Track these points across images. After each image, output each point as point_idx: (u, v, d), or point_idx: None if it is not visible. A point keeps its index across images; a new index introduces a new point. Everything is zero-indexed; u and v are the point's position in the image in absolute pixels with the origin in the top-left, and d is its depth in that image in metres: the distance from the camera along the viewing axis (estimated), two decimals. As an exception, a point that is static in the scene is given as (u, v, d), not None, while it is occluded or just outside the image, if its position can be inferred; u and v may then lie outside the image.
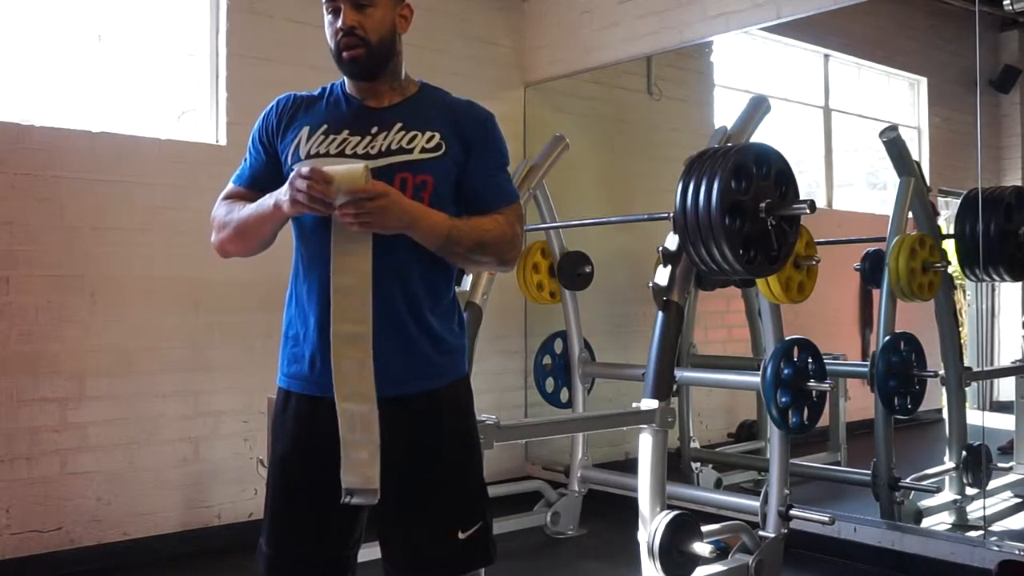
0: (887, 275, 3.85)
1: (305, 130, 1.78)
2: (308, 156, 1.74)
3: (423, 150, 1.73)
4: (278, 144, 1.81)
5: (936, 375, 3.97)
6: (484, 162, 1.80)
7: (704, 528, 3.05)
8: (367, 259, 1.66)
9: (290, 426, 1.78)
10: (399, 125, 1.75)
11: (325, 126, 1.77)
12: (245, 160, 1.88)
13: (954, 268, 4.13)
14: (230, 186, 1.87)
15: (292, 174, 1.62)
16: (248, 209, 1.75)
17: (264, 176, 1.83)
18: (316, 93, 1.85)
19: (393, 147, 1.73)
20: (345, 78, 1.83)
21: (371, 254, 1.66)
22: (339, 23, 1.74)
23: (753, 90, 4.52)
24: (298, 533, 1.76)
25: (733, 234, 2.86)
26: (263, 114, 1.86)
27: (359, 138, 1.75)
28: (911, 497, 3.90)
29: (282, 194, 1.65)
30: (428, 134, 1.75)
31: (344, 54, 1.75)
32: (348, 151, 1.73)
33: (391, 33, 1.78)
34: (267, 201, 1.71)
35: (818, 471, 4.57)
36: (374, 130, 1.75)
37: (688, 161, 3.02)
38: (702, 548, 2.95)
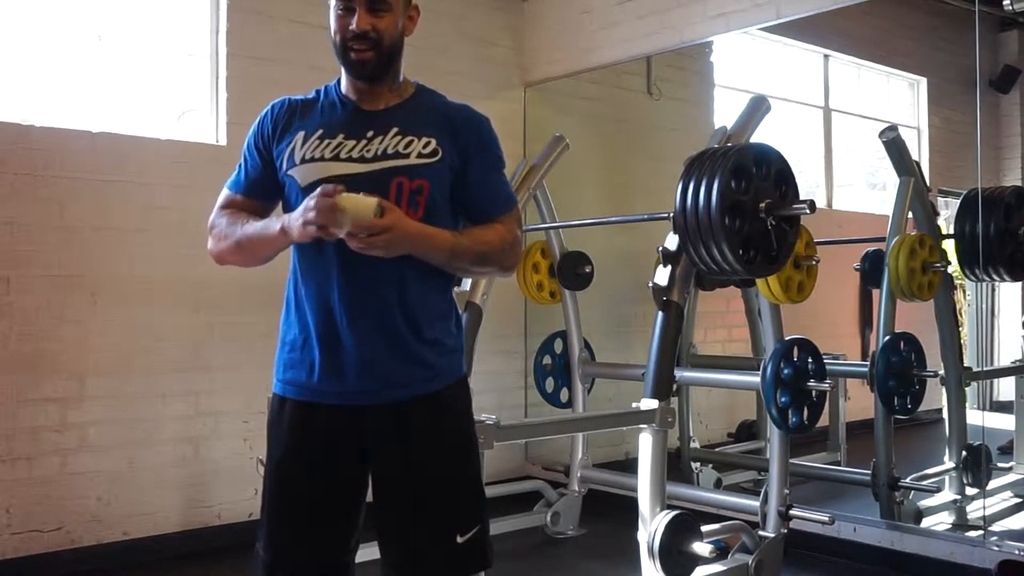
0: (887, 275, 3.85)
1: (300, 135, 1.76)
2: (303, 161, 1.73)
3: (419, 155, 1.72)
4: (273, 150, 1.80)
5: (936, 375, 3.97)
6: (481, 167, 1.79)
7: (704, 528, 3.05)
8: None
9: (285, 433, 1.77)
10: (395, 129, 1.74)
11: (320, 131, 1.76)
12: (240, 166, 1.86)
13: (954, 268, 4.13)
14: (225, 192, 1.86)
15: (304, 201, 1.61)
16: (253, 227, 1.75)
17: (260, 182, 1.82)
18: (311, 97, 1.84)
19: (389, 151, 1.72)
20: (341, 78, 1.82)
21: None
22: (353, 23, 1.71)
23: (753, 90, 4.51)
24: (296, 538, 1.75)
25: (733, 234, 2.86)
26: (258, 120, 1.85)
27: (354, 142, 1.73)
28: (911, 497, 3.90)
29: (290, 220, 1.64)
30: (424, 139, 1.73)
31: (353, 55, 1.73)
32: (343, 155, 1.72)
33: (400, 36, 1.77)
34: (273, 225, 1.70)
35: (818, 471, 4.57)
36: (370, 134, 1.74)
37: (688, 161, 3.02)
38: (702, 548, 2.95)
